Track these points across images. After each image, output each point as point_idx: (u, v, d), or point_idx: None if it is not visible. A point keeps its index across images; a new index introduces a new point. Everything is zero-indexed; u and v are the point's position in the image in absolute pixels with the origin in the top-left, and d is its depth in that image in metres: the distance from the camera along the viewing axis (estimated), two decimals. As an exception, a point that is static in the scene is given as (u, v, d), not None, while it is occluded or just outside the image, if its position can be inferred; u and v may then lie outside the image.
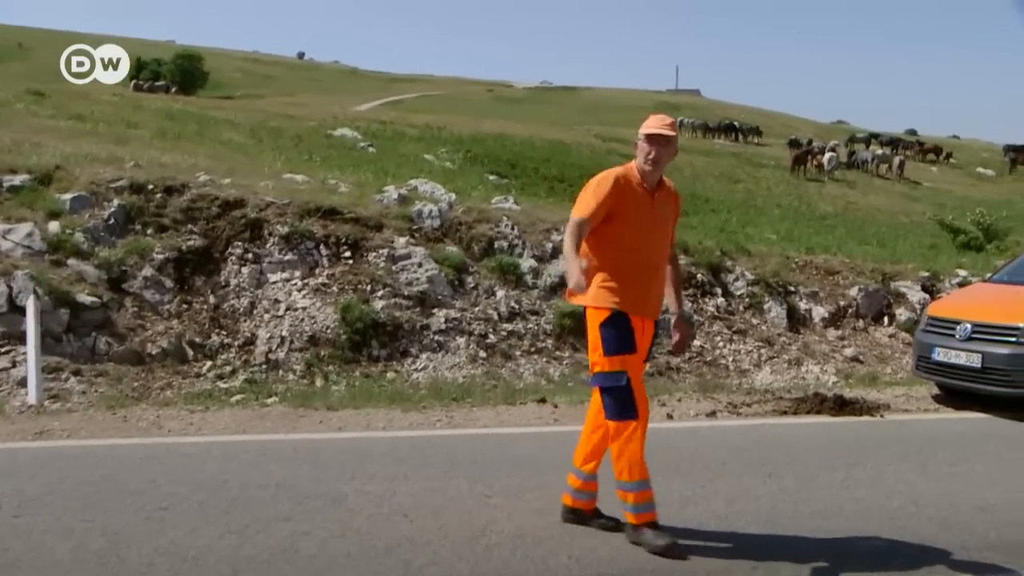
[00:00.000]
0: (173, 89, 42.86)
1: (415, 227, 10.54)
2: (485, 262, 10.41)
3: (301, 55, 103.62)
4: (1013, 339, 7.97)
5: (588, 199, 4.31)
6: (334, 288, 9.50)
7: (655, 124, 4.42)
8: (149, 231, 9.62)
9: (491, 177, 23.18)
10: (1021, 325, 7.98)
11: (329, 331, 9.02)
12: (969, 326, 8.26)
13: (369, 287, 9.57)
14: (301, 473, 5.33)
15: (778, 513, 4.93)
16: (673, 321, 4.59)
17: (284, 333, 8.96)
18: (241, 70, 72.77)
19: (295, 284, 9.48)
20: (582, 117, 49.70)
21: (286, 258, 9.64)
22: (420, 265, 9.91)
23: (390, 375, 8.88)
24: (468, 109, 49.95)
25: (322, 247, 9.88)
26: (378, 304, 9.40)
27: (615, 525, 4.50)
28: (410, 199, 11.12)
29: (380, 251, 9.98)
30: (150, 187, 10.09)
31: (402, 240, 10.18)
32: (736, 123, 48.43)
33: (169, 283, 9.09)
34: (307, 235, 9.87)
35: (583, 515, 4.61)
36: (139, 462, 5.53)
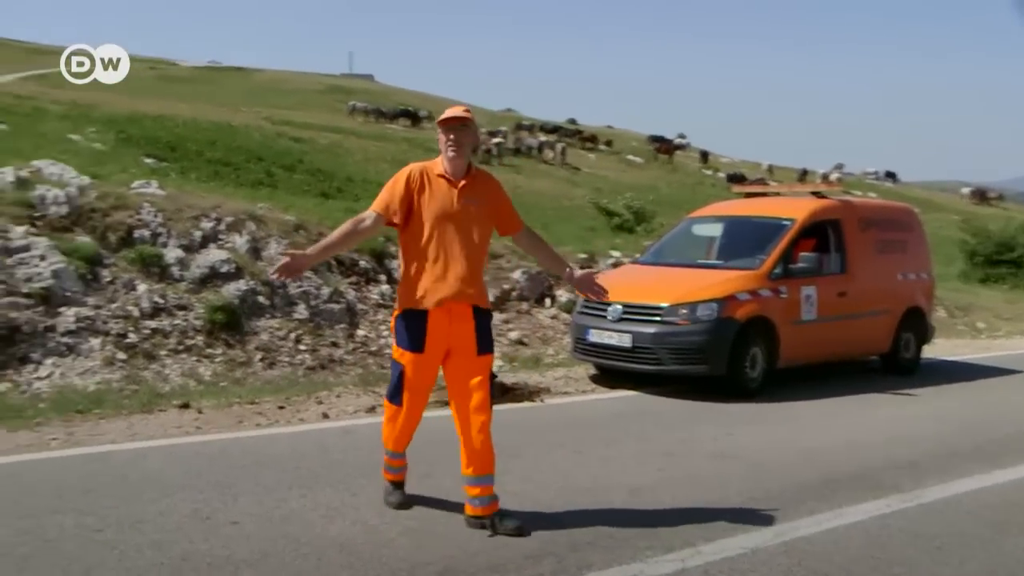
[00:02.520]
0: None
1: (37, 215, 9.18)
2: (124, 253, 9.28)
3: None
4: (658, 318, 8.34)
5: (382, 191, 4.47)
6: (-69, 287, 8.02)
7: (448, 111, 4.52)
8: None
9: (148, 160, 21.32)
10: (664, 305, 8.36)
11: (-76, 338, 7.60)
12: (619, 307, 8.53)
13: (-23, 285, 8.19)
14: None
15: (432, 521, 4.61)
16: (571, 278, 4.83)
17: None
18: None
19: None
20: (252, 99, 47.51)
21: None
22: (43, 258, 8.62)
23: (5, 386, 7.62)
24: (127, 87, 45.98)
25: (-86, 239, 8.32)
26: (-11, 304, 8.06)
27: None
28: (31, 182, 9.69)
29: (-9, 243, 8.58)
30: None
31: (20, 230, 8.80)
32: (411, 108, 48.63)
33: None
34: None
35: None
36: None
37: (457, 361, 4.46)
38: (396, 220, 4.41)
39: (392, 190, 4.42)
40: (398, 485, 4.85)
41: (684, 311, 8.28)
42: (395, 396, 4.59)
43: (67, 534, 4.22)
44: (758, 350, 8.50)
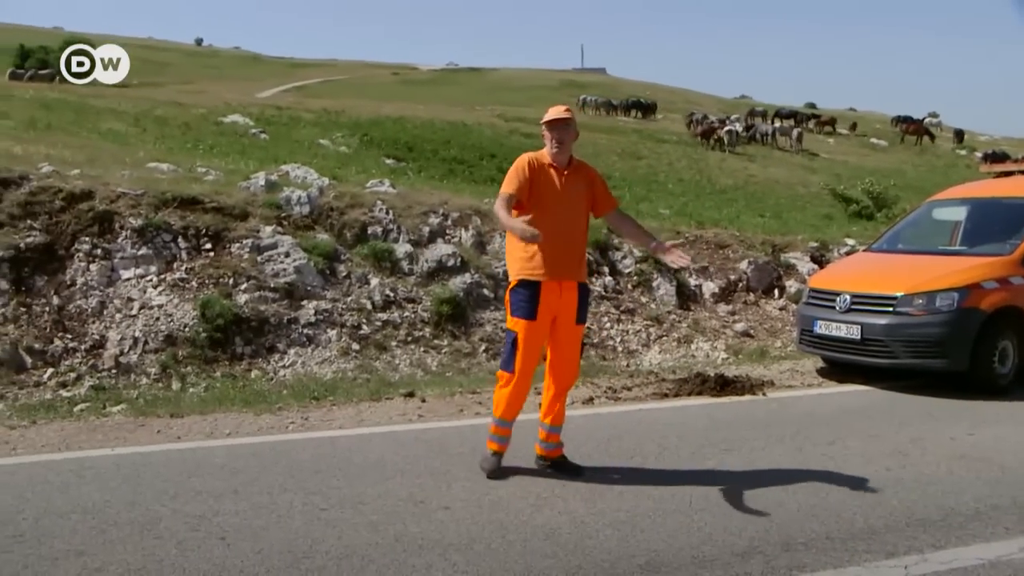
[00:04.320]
0: (58, 78, 40.80)
1: (283, 215, 9.93)
2: (358, 249, 9.86)
3: (199, 41, 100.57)
4: (890, 308, 7.82)
5: (511, 176, 4.97)
6: (193, 283, 8.85)
7: (551, 112, 5.11)
8: (-22, 228, 8.76)
9: (388, 160, 22.54)
10: (899, 295, 7.83)
11: (187, 329, 8.39)
12: (848, 297, 8.09)
13: (232, 280, 8.95)
14: (116, 495, 4.75)
15: (639, 513, 4.56)
16: (656, 249, 5.25)
17: (137, 334, 8.29)
18: (134, 57, 69.82)
19: (150, 280, 8.80)
20: (486, 98, 49.05)
21: (140, 253, 8.94)
22: (287, 255, 9.33)
23: (255, 373, 8.30)
24: (372, 93, 48.87)
25: (180, 239, 9.20)
26: (241, 298, 8.80)
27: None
28: (279, 185, 10.48)
29: (244, 241, 9.35)
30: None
31: (268, 229, 9.56)
32: (642, 100, 48.33)
33: (3, 284, 8.30)
34: (163, 227, 9.18)
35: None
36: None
37: (560, 328, 5.03)
38: (524, 200, 4.94)
39: (520, 175, 4.95)
40: (498, 455, 5.18)
41: (920, 301, 7.72)
42: (508, 364, 5.00)
43: (295, 510, 4.54)
44: (1009, 343, 7.78)
